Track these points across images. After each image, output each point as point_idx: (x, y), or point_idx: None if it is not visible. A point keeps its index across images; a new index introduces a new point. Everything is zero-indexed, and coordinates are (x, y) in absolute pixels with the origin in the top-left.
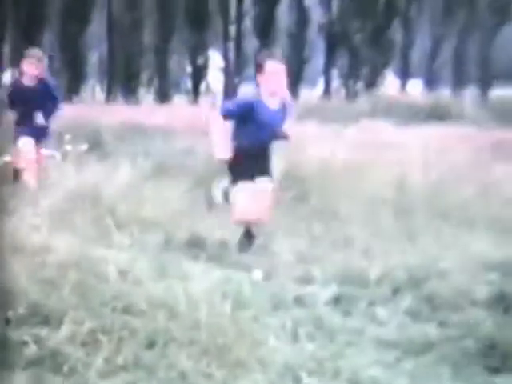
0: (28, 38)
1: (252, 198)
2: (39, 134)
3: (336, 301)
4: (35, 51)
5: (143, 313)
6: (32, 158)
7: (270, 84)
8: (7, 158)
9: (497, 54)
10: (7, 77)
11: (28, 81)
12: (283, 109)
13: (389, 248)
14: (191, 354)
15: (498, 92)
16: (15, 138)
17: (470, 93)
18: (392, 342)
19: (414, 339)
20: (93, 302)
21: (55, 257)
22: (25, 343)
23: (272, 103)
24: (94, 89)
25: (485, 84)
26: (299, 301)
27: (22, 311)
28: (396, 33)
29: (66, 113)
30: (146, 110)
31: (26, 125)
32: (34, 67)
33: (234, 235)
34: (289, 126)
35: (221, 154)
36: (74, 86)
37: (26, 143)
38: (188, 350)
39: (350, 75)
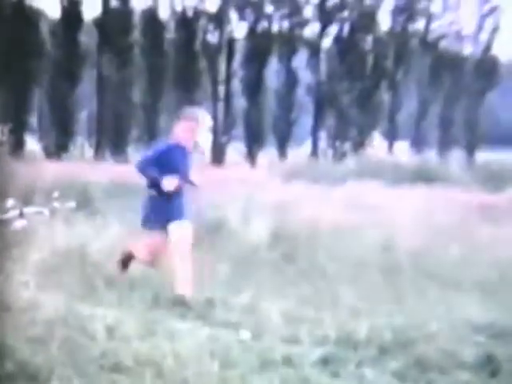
0: (17, 95)
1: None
2: None
3: (324, 361)
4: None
5: (130, 371)
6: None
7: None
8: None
9: (483, 118)
10: None
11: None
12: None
13: (376, 308)
14: None
15: (484, 155)
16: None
17: (456, 155)
18: None
19: None
20: (80, 360)
21: (43, 314)
22: None
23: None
24: (82, 146)
25: (471, 147)
26: (287, 361)
27: (10, 368)
28: (383, 95)
29: (55, 170)
30: (134, 168)
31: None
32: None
33: (222, 295)
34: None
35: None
36: (62, 143)
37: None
38: None
39: (337, 136)
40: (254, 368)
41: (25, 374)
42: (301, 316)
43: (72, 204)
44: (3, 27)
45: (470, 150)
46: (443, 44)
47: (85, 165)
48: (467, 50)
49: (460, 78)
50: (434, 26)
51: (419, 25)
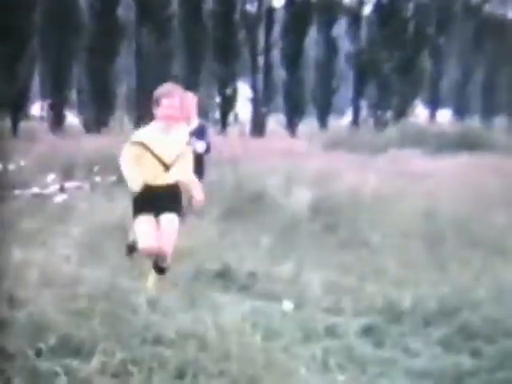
0: (56, 70)
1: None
2: None
3: (367, 331)
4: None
5: (173, 343)
6: None
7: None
8: None
9: None
10: (36, 109)
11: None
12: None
13: (420, 278)
14: None
15: None
16: None
17: (500, 122)
18: (424, 372)
19: (447, 370)
20: (123, 333)
21: (85, 288)
22: (56, 374)
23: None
24: (122, 120)
25: None
26: (330, 331)
27: (53, 342)
28: (425, 62)
29: (95, 144)
30: None
31: None
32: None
33: (264, 267)
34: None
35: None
36: (102, 117)
37: None
38: (218, 380)
39: (378, 105)
40: (296, 339)
41: (68, 347)
42: (343, 286)
43: (112, 178)
44: (41, 3)
45: None
46: (487, 8)
47: (125, 139)
48: None
49: (504, 43)
50: None
51: None
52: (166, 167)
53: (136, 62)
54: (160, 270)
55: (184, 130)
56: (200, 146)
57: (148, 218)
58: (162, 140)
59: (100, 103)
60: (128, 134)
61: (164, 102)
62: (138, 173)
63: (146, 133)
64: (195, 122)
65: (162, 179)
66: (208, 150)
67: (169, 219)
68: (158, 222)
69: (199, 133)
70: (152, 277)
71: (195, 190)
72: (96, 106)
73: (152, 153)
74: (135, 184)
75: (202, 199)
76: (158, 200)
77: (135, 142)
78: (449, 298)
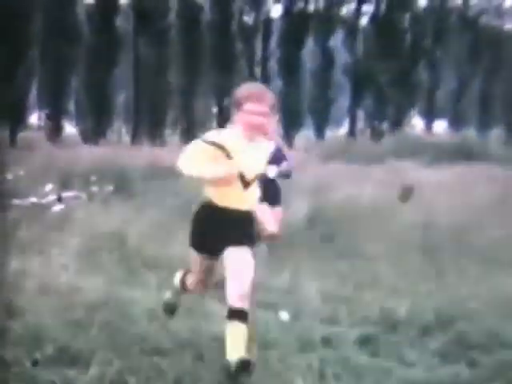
0: (54, 80)
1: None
2: None
3: (364, 341)
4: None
5: (170, 353)
6: None
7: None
8: None
9: None
10: (34, 119)
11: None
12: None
13: (416, 288)
14: None
15: None
16: None
17: (496, 133)
18: (420, 382)
19: (443, 380)
20: (120, 343)
21: (83, 297)
22: None
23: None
24: (120, 130)
25: (510, 125)
26: (326, 341)
27: (50, 352)
28: (421, 73)
29: (92, 154)
30: (171, 150)
31: None
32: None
33: (260, 276)
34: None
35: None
36: (100, 127)
37: None
38: None
39: (375, 115)
40: (293, 349)
41: (65, 357)
42: (340, 296)
43: (110, 188)
44: (40, 14)
45: (510, 127)
46: (483, 20)
47: (122, 149)
48: (508, 25)
49: (500, 54)
50: (474, 1)
51: (458, 0)
52: (246, 184)
53: (134, 73)
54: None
55: (268, 146)
56: (271, 171)
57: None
58: (245, 151)
59: (98, 114)
60: (125, 144)
61: (249, 106)
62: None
63: (225, 136)
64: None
65: (238, 200)
66: (287, 175)
67: (242, 255)
68: (222, 259)
69: (275, 155)
70: None
71: (267, 219)
72: (94, 117)
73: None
74: (219, 171)
75: (275, 231)
76: (228, 228)
77: (211, 141)
78: (445, 309)
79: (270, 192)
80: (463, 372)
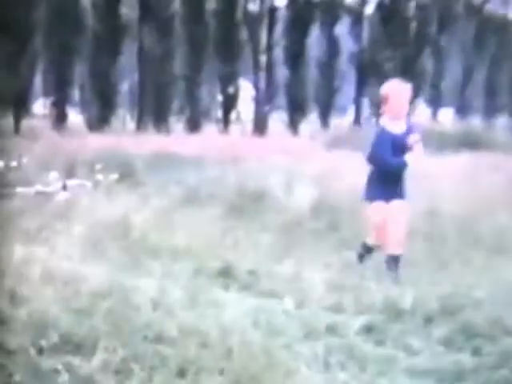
0: (59, 68)
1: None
2: None
3: (368, 330)
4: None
5: (174, 341)
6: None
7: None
8: None
9: None
10: (39, 107)
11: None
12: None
13: (421, 276)
14: (222, 383)
15: None
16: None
17: (502, 121)
18: (425, 371)
19: (448, 368)
20: (125, 331)
21: (87, 286)
22: (57, 372)
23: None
24: (124, 118)
25: None
26: (331, 329)
27: (55, 340)
28: (427, 62)
29: (97, 142)
30: (176, 138)
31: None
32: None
33: (265, 265)
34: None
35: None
36: (104, 115)
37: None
38: (219, 379)
39: (379, 104)
40: (298, 337)
41: (69, 345)
42: (345, 285)
43: (114, 176)
44: (44, 1)
45: None
46: (488, 8)
47: (127, 137)
48: None
49: (505, 42)
50: None
51: None
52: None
53: (138, 61)
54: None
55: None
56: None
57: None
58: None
59: (102, 101)
60: (130, 132)
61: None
62: None
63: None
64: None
65: None
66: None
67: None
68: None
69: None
70: None
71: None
72: (98, 104)
73: None
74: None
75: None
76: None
77: None
78: (450, 297)
79: None
80: (467, 360)
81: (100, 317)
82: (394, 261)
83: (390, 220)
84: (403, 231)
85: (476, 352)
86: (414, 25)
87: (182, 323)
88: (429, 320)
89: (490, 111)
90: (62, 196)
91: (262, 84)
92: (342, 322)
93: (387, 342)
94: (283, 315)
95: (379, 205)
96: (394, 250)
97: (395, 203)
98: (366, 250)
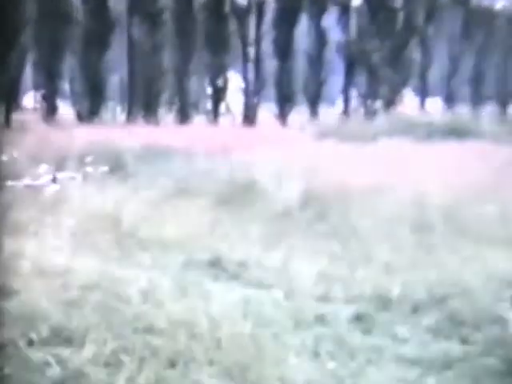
0: (49, 61)
1: None
2: None
3: (357, 319)
4: None
5: (164, 332)
6: None
7: None
8: None
9: None
10: (29, 100)
11: None
12: None
13: (409, 266)
14: (212, 373)
15: None
16: None
17: (489, 110)
18: (413, 359)
19: (436, 356)
20: (114, 323)
21: (77, 278)
22: (48, 364)
23: None
24: (114, 111)
25: (503, 102)
26: (320, 319)
27: (45, 332)
28: (414, 52)
29: (87, 135)
30: (166, 130)
31: None
32: None
33: (254, 255)
34: None
35: None
36: (94, 108)
37: None
38: (209, 369)
39: (368, 94)
40: (287, 327)
41: (59, 337)
42: (333, 275)
43: (104, 168)
44: None
45: (502, 104)
46: None
47: (117, 129)
48: (499, 4)
49: (492, 33)
50: None
51: None
52: None
53: (128, 53)
54: None
55: None
56: None
57: None
58: None
59: (92, 94)
60: (120, 124)
61: None
62: None
63: None
64: None
65: None
66: None
67: None
68: None
69: None
70: None
71: None
72: (88, 97)
73: None
74: None
75: None
76: None
77: None
78: (438, 286)
79: None
80: (455, 348)
81: (90, 309)
82: None
83: None
84: None
85: (463, 340)
86: (401, 15)
87: (172, 314)
88: (417, 309)
89: (477, 100)
90: (52, 189)
91: (251, 75)
92: (330, 311)
93: (375, 330)
94: (272, 306)
95: None
96: None
97: None
98: None
